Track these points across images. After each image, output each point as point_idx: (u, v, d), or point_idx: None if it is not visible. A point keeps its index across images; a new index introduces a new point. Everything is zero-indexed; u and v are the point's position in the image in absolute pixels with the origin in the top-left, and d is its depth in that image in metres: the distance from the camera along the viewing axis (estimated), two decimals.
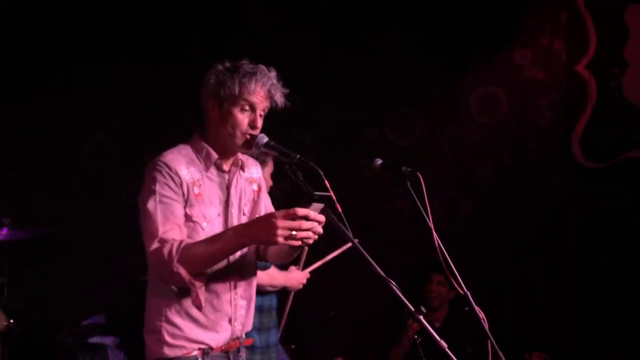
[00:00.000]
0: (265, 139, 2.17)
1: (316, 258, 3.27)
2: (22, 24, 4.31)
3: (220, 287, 2.18)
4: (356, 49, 4.44)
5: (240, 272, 2.23)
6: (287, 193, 3.12)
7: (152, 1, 4.35)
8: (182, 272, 2.02)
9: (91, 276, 4.17)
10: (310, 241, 2.02)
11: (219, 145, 2.21)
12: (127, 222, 2.84)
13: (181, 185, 2.12)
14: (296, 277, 3.09)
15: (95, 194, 4.42)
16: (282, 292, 3.16)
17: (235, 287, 2.21)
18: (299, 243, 2.01)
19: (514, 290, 4.35)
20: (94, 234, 4.25)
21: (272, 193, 2.55)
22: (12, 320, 3.51)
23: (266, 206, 2.36)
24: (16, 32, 4.31)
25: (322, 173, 2.09)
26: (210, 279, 2.15)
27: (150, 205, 2.08)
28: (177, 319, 2.13)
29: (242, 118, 2.16)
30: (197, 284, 2.06)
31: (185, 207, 2.12)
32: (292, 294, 3.22)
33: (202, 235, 2.13)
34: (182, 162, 2.15)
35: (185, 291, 2.12)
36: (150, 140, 2.24)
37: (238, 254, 2.19)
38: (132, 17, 4.35)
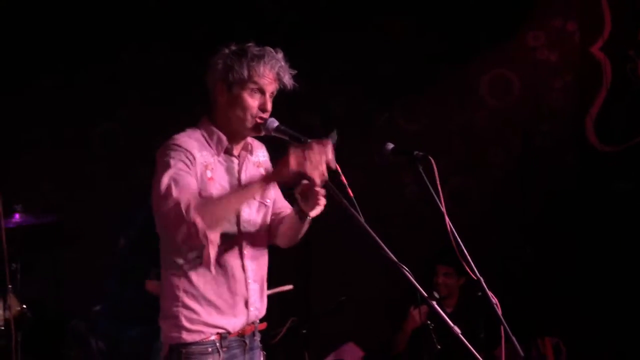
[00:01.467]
0: (275, 123, 2.15)
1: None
2: (33, 12, 4.30)
3: (234, 270, 2.17)
4: (365, 34, 4.40)
5: (252, 255, 2.23)
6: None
7: None
8: (199, 221, 1.98)
9: (103, 262, 4.19)
10: (318, 178, 2.00)
11: (228, 129, 2.19)
12: (136, 207, 2.85)
13: (195, 165, 2.11)
14: None
15: (105, 181, 4.43)
16: None
17: (247, 271, 2.20)
18: (311, 174, 1.99)
19: (526, 275, 4.32)
20: (105, 221, 4.26)
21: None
22: (25, 306, 3.53)
23: (275, 189, 2.35)
24: (26, 20, 4.31)
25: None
26: (225, 263, 2.15)
27: (165, 179, 2.05)
28: (194, 304, 2.13)
29: (252, 101, 2.14)
30: (211, 238, 2.03)
31: (199, 190, 2.10)
32: None
33: None
34: (194, 146, 2.13)
35: (201, 275, 2.12)
36: (159, 129, 2.22)
37: (246, 238, 2.19)
38: (140, 5, 4.34)
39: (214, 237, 2.06)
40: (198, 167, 2.11)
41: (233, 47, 2.16)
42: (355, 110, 4.50)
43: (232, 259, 2.17)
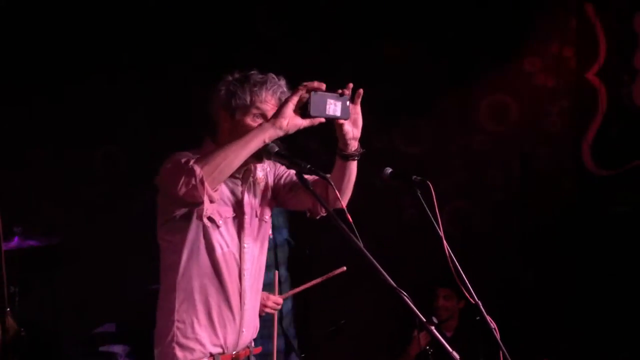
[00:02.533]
0: (275, 147, 2.17)
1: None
2: (34, 31, 4.34)
3: (230, 291, 2.19)
4: (365, 57, 4.44)
5: (251, 274, 2.24)
6: None
7: (161, 12, 4.38)
8: (197, 168, 1.98)
9: (102, 285, 4.18)
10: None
11: None
12: (137, 230, 2.86)
13: None
14: (268, 304, 3.04)
15: (105, 203, 4.43)
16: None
17: (243, 293, 2.22)
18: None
19: (525, 299, 4.32)
20: (104, 243, 4.26)
21: None
22: (22, 329, 3.52)
23: (280, 176, 2.35)
24: (27, 39, 4.34)
25: (332, 183, 2.11)
26: (220, 284, 2.17)
27: (168, 164, 2.09)
28: (189, 324, 2.15)
29: (254, 128, 2.17)
30: (210, 192, 2.01)
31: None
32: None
33: (217, 233, 2.16)
34: None
35: (198, 292, 2.14)
36: (161, 151, 2.24)
37: (247, 259, 2.20)
38: (141, 28, 4.38)
39: (214, 194, 2.03)
40: None
41: (236, 75, 2.20)
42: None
43: (229, 282, 2.18)
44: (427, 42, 4.42)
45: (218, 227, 2.16)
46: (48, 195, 4.43)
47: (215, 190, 2.04)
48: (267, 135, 2.04)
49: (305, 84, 2.05)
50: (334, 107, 2.08)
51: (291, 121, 2.05)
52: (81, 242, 4.21)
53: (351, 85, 2.15)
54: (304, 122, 2.07)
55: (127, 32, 4.37)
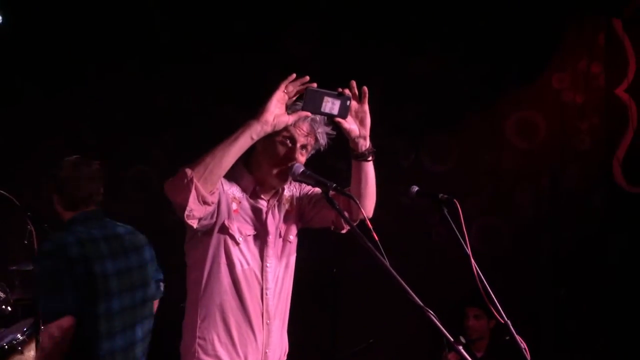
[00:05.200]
0: (301, 168, 2.20)
1: None
2: (62, 59, 4.43)
3: (251, 310, 2.21)
4: (391, 75, 4.46)
5: (273, 298, 2.26)
6: None
7: (193, 35, 4.45)
8: (187, 170, 2.01)
9: None
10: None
11: (259, 176, 2.25)
12: (168, 249, 2.89)
13: (223, 193, 2.17)
14: None
15: (136, 223, 4.49)
16: None
17: (265, 313, 2.23)
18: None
19: (556, 318, 4.25)
20: None
21: None
22: None
23: (305, 194, 2.37)
24: (58, 67, 4.43)
25: (357, 202, 2.12)
26: (241, 302, 2.19)
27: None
28: (209, 341, 2.18)
29: (281, 149, 2.20)
30: (200, 188, 2.01)
31: (225, 220, 2.18)
32: None
33: (237, 249, 2.19)
34: (225, 181, 2.20)
35: (219, 309, 2.18)
36: None
37: (270, 279, 2.22)
38: (171, 50, 4.46)
39: (209, 195, 2.04)
40: (225, 196, 2.17)
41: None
42: (381, 152, 4.52)
43: (251, 297, 2.21)
44: (454, 59, 4.42)
45: (237, 243, 2.19)
46: None
47: (212, 193, 2.05)
48: (253, 131, 2.04)
49: (287, 79, 2.06)
50: (330, 105, 2.08)
51: (277, 117, 2.06)
52: None
53: (354, 83, 2.16)
54: (290, 118, 2.08)
55: (158, 55, 4.46)
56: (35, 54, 4.34)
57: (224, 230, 2.18)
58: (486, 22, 4.38)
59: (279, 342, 2.29)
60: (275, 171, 2.21)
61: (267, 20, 4.40)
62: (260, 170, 2.24)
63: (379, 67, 4.44)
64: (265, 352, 2.23)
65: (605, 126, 4.40)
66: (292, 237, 2.34)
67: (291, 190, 2.36)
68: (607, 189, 4.34)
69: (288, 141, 2.19)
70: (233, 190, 2.22)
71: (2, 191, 3.19)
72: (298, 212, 2.36)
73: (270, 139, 2.19)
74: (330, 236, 2.39)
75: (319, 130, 2.22)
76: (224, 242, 2.18)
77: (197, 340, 2.18)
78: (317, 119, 2.21)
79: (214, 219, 2.17)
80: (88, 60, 4.39)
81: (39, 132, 4.30)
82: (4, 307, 1.64)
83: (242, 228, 2.20)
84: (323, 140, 2.24)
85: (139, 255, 2.82)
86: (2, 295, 1.65)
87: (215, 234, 2.18)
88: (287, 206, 2.33)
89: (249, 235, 2.23)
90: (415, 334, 3.91)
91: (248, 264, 2.21)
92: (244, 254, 2.21)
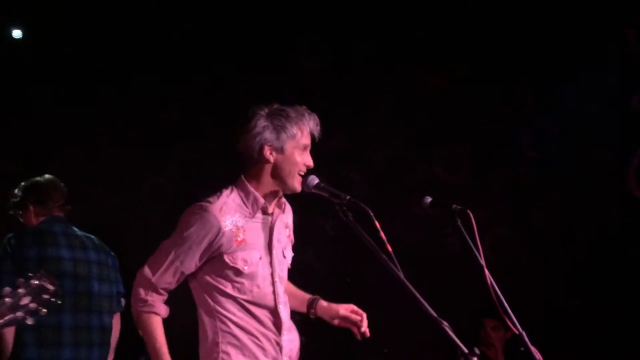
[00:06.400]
0: (315, 180, 2.22)
1: None
2: (79, 73, 4.49)
3: (267, 325, 2.25)
4: (405, 85, 4.48)
5: (284, 306, 2.31)
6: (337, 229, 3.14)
7: (203, 45, 4.50)
8: (139, 324, 2.24)
9: None
10: None
11: (267, 189, 2.26)
12: None
13: (217, 236, 2.18)
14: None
15: (152, 235, 4.52)
16: None
17: (282, 324, 2.27)
18: None
19: (570, 329, 4.22)
20: None
21: (322, 229, 2.58)
22: None
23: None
24: (75, 81, 4.49)
25: (372, 214, 2.12)
26: (256, 318, 2.24)
27: (168, 244, 2.23)
28: (232, 352, 2.21)
29: (301, 158, 2.24)
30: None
31: (223, 255, 2.20)
32: None
33: (241, 278, 2.21)
34: (229, 211, 2.20)
35: (241, 327, 2.22)
36: (206, 183, 2.31)
37: (280, 292, 2.27)
38: (184, 62, 4.51)
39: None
40: (223, 237, 2.18)
41: (267, 110, 2.24)
42: (396, 162, 4.54)
43: (265, 314, 2.25)
44: (467, 70, 4.43)
45: (243, 272, 2.21)
46: (99, 229, 4.55)
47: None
48: None
49: None
50: None
51: None
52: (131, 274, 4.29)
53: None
54: None
55: (172, 67, 4.51)
56: (53, 67, 4.42)
57: (226, 266, 2.20)
58: (498, 33, 4.39)
59: (294, 349, 2.34)
60: (295, 179, 2.24)
61: (280, 35, 4.44)
62: (272, 183, 2.25)
63: (393, 79, 4.46)
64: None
65: (619, 134, 4.38)
66: (289, 258, 2.39)
67: (292, 219, 2.42)
68: (623, 199, 4.32)
69: (302, 148, 2.25)
70: (236, 220, 2.20)
71: None
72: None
73: (290, 150, 2.22)
74: (344, 246, 2.41)
75: (317, 131, 2.28)
76: (228, 275, 2.21)
77: (221, 354, 2.20)
78: (317, 120, 2.27)
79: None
80: (105, 74, 4.46)
81: (56, 144, 4.37)
82: (53, 299, 1.67)
83: (247, 256, 2.21)
84: (317, 137, 2.30)
85: (99, 255, 2.99)
86: (51, 288, 1.69)
87: (224, 260, 2.21)
88: (287, 232, 2.38)
89: (256, 260, 2.24)
90: (429, 344, 3.90)
91: (259, 287, 2.24)
92: (253, 278, 2.23)
